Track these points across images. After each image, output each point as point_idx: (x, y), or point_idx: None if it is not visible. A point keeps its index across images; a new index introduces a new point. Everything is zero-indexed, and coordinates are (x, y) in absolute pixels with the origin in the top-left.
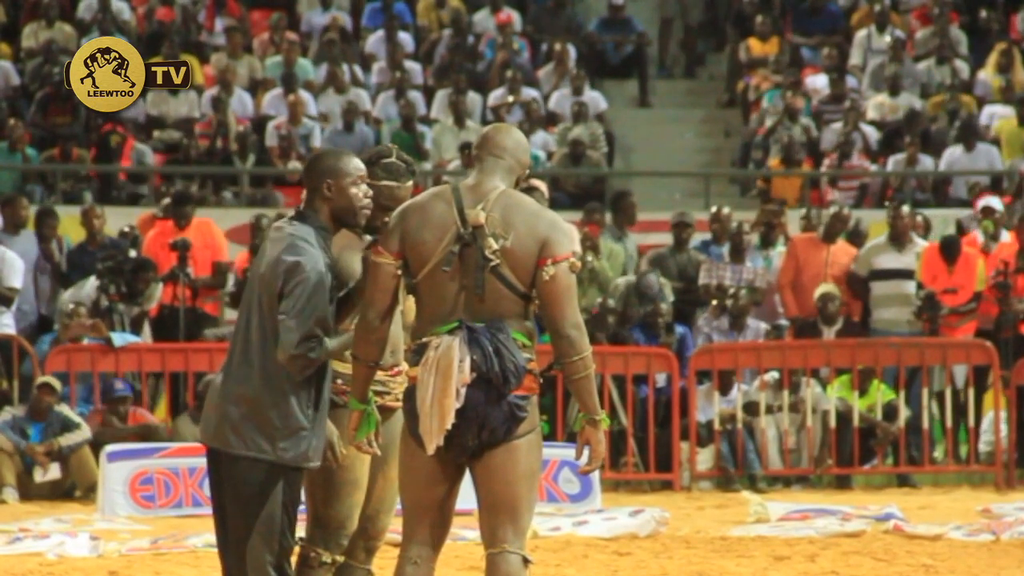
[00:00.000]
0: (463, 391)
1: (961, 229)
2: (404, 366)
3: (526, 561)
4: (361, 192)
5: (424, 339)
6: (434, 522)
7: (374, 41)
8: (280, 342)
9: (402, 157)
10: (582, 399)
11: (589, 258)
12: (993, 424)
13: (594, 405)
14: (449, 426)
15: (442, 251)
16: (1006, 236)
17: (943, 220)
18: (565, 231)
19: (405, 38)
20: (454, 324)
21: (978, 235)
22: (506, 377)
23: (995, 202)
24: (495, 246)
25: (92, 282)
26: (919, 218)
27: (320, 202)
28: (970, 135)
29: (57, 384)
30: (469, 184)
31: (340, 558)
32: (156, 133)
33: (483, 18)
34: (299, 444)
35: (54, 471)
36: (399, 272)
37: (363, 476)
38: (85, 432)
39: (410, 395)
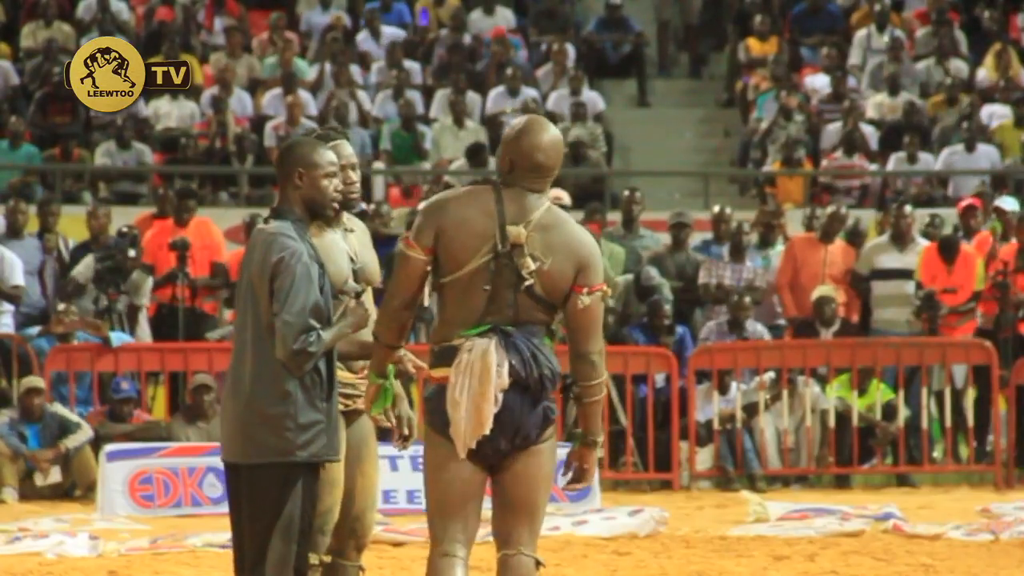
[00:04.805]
0: (500, 396)
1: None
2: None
3: (538, 564)
4: (332, 185)
5: (453, 342)
6: (465, 520)
7: (372, 40)
8: (277, 340)
9: (331, 127)
10: (589, 420)
11: None
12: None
13: (598, 428)
14: (487, 431)
15: (478, 260)
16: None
17: (942, 220)
18: (600, 258)
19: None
20: (485, 327)
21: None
22: (543, 383)
23: (1008, 203)
24: (531, 267)
25: (88, 260)
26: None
27: (292, 192)
28: (973, 135)
29: (41, 383)
30: (513, 195)
31: (327, 558)
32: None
33: (479, 18)
34: (316, 441)
35: (55, 475)
36: (428, 268)
37: (340, 477)
38: (88, 432)
39: (435, 395)
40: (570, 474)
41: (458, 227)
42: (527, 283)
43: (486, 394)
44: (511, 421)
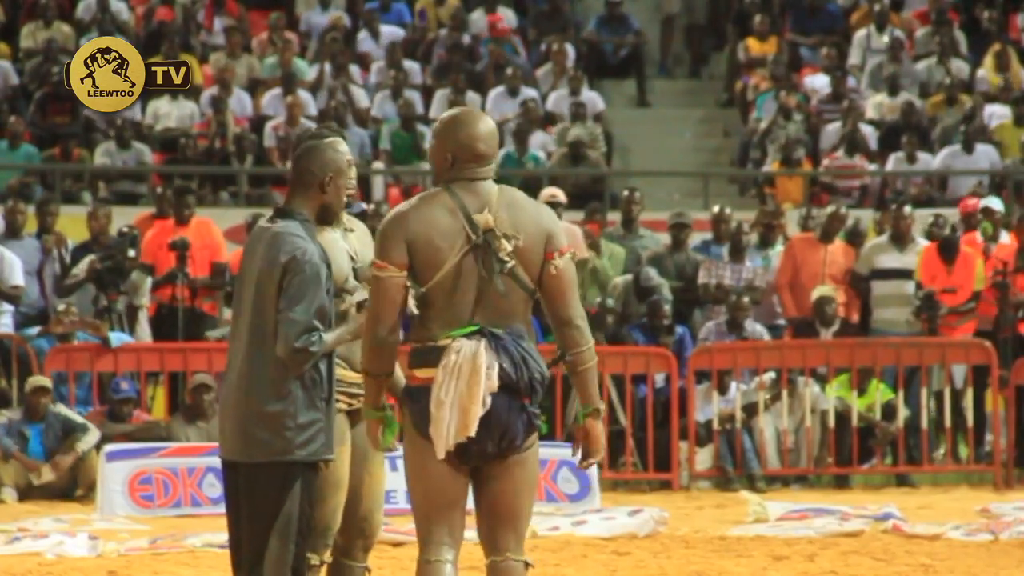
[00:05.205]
0: (488, 399)
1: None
2: None
3: (527, 566)
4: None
5: (439, 342)
6: (451, 522)
7: (372, 40)
8: (280, 337)
9: (325, 125)
10: (587, 389)
11: (590, 255)
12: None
13: (596, 395)
14: (473, 433)
15: (455, 257)
16: (1005, 237)
17: (946, 220)
18: (559, 222)
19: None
20: (471, 328)
21: (977, 235)
22: (533, 387)
23: (995, 203)
24: (508, 248)
25: (84, 264)
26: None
27: (315, 194)
28: (974, 136)
29: (47, 382)
30: (463, 187)
31: (328, 558)
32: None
33: (479, 18)
34: (315, 440)
35: (47, 474)
36: (407, 284)
37: (344, 477)
38: (96, 433)
39: (417, 394)
40: (579, 453)
41: (427, 232)
42: (508, 264)
43: (474, 396)
44: (498, 424)
